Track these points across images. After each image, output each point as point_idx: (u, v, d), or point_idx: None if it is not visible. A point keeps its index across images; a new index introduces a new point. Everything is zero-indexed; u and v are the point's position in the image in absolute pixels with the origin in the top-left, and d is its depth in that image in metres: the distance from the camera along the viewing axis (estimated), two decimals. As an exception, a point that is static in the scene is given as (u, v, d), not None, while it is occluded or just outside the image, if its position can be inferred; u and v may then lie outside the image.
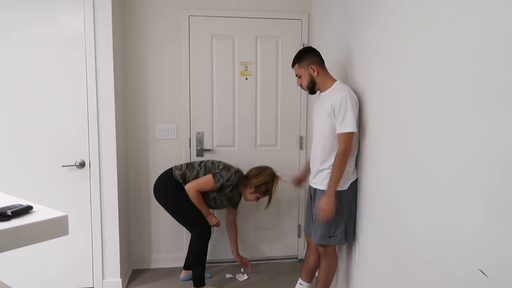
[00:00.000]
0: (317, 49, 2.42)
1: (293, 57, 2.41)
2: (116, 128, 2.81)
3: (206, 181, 2.74)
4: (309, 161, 2.57)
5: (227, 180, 2.74)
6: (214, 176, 2.74)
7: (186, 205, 2.76)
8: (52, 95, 2.72)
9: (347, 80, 2.46)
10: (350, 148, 2.20)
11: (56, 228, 0.81)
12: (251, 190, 2.84)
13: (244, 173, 2.91)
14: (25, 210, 0.83)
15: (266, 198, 2.92)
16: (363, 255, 2.28)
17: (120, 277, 2.91)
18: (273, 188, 2.85)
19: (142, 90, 3.16)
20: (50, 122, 2.73)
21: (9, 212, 0.79)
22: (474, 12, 1.32)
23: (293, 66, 2.42)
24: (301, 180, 2.81)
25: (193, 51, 3.18)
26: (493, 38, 1.23)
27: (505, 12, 1.18)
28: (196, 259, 2.81)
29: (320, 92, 2.39)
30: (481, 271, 1.30)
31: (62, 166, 2.76)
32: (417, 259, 1.68)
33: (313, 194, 2.42)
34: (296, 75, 2.42)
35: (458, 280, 1.41)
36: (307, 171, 2.69)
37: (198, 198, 2.74)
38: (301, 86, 2.43)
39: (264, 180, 2.81)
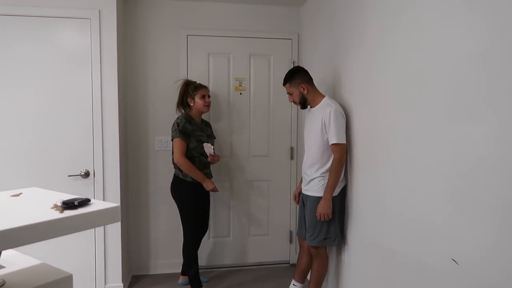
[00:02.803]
0: (306, 66, 2.65)
1: (284, 76, 2.64)
2: (119, 140, 2.99)
3: (177, 145, 2.83)
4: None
5: (178, 125, 2.84)
6: (175, 137, 2.84)
7: (191, 208, 2.91)
8: (60, 110, 2.89)
9: (335, 95, 2.70)
10: (344, 157, 2.44)
11: (110, 215, 1.00)
12: (192, 102, 2.97)
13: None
14: (86, 202, 1.02)
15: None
16: (351, 254, 2.49)
17: (122, 282, 3.05)
18: (196, 83, 3.02)
19: (142, 104, 3.36)
20: (57, 134, 2.89)
21: (76, 203, 0.99)
22: (446, 35, 1.58)
23: (284, 84, 2.64)
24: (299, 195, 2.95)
25: (190, 67, 3.40)
26: (465, 59, 1.48)
27: (475, 34, 1.44)
28: (186, 260, 2.95)
29: (311, 107, 2.63)
30: (453, 260, 1.53)
31: (68, 175, 2.91)
32: (399, 255, 1.90)
33: (305, 200, 2.64)
34: (288, 93, 2.64)
35: (434, 270, 1.64)
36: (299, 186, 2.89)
37: (188, 164, 2.83)
38: (293, 102, 2.66)
39: (183, 90, 3.00)
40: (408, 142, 1.82)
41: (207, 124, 3.13)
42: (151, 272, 3.45)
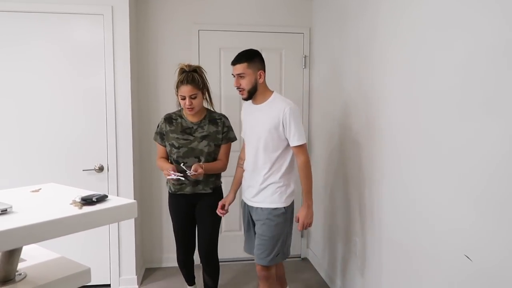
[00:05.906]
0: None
1: (239, 54, 2.22)
2: (132, 134, 3.03)
3: (158, 150, 2.57)
4: (237, 182, 2.46)
5: (158, 126, 2.54)
6: (155, 139, 2.56)
7: (172, 218, 2.65)
8: (73, 105, 2.94)
9: (361, 88, 2.52)
10: (308, 157, 2.23)
11: (128, 211, 1.03)
12: (177, 99, 2.44)
13: None
14: (104, 198, 1.04)
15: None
16: (364, 250, 2.50)
17: (136, 274, 3.10)
18: (183, 76, 2.33)
19: (154, 99, 3.38)
20: (71, 129, 2.94)
21: (94, 199, 1.01)
22: (461, 29, 1.56)
23: (238, 63, 2.20)
24: (227, 204, 2.47)
25: (202, 62, 3.40)
26: (478, 54, 1.47)
27: (488, 32, 1.42)
28: None
29: (254, 102, 2.28)
30: (466, 256, 1.52)
31: (83, 170, 2.96)
32: (412, 251, 1.91)
33: (253, 213, 2.29)
34: (239, 75, 2.20)
35: (447, 265, 1.63)
36: (234, 194, 2.49)
37: (158, 164, 2.52)
38: (238, 88, 2.23)
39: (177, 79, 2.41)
40: (426, 139, 1.81)
41: (213, 121, 2.50)
42: (164, 265, 3.50)
